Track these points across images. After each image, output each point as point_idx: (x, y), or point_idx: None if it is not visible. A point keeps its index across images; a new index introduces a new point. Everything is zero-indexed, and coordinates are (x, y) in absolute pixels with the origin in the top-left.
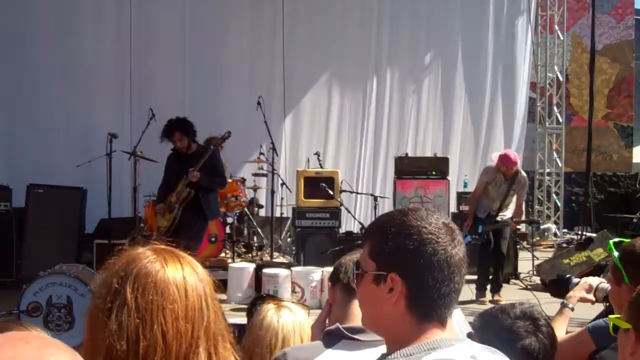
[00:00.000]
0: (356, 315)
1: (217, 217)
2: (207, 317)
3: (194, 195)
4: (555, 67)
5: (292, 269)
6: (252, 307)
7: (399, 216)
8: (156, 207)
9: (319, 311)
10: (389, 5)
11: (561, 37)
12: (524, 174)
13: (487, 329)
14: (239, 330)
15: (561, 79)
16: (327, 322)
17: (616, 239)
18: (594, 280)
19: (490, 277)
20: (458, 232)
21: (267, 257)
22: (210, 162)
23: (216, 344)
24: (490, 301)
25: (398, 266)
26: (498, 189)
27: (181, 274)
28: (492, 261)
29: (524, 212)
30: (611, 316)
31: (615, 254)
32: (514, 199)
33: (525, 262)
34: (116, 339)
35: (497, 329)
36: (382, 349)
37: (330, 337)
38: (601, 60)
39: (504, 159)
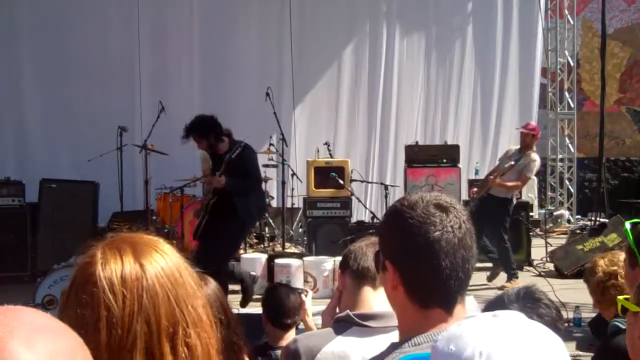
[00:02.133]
0: (366, 302)
1: (247, 222)
2: (160, 310)
3: (224, 199)
4: (566, 52)
5: (304, 259)
6: (267, 297)
7: (394, 204)
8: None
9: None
10: None
11: (571, 22)
12: (534, 155)
13: None
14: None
15: (572, 63)
16: (337, 309)
17: (633, 221)
18: None
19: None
20: (455, 213)
21: (278, 248)
22: (240, 163)
23: (173, 336)
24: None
25: (389, 254)
26: (509, 160)
27: (121, 270)
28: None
29: (520, 189)
30: (620, 297)
31: (631, 236)
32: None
33: (538, 249)
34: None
35: None
36: (394, 335)
37: (340, 324)
38: (612, 44)
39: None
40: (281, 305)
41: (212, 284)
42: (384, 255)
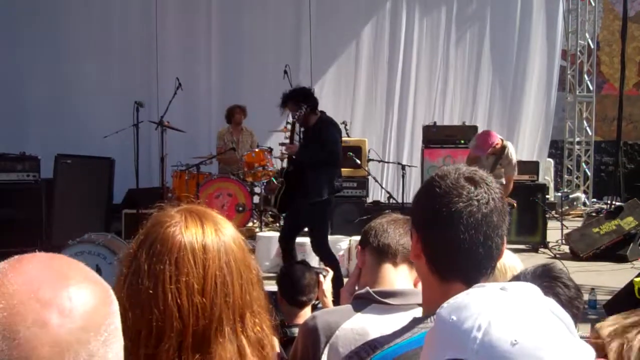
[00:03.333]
0: (386, 278)
1: (320, 200)
2: (231, 290)
3: (301, 173)
4: (587, 34)
5: None
6: (282, 274)
7: (430, 176)
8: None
9: (347, 279)
10: None
11: (592, 4)
12: (511, 149)
13: None
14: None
15: (592, 46)
16: (356, 286)
17: None
18: None
19: None
20: (486, 189)
21: None
22: (319, 136)
23: (243, 319)
24: None
25: (416, 223)
26: (486, 160)
27: (201, 239)
28: None
29: (510, 189)
30: (637, 279)
31: None
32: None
33: (554, 232)
34: (128, 307)
35: None
36: (413, 312)
37: (360, 301)
38: (633, 27)
39: (477, 144)
40: (296, 283)
41: None
42: (411, 223)
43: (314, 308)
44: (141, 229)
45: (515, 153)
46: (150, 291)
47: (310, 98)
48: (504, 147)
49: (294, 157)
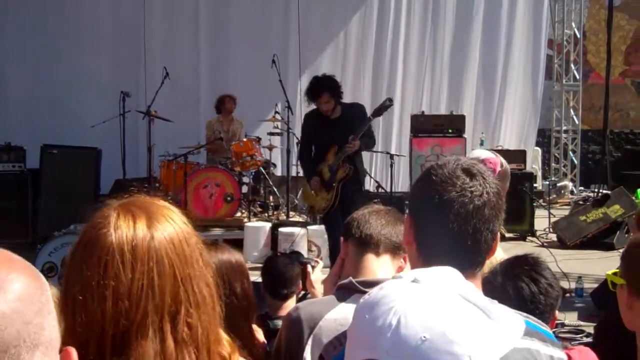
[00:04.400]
0: (368, 269)
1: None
2: (158, 291)
3: (349, 164)
4: (573, 24)
5: (308, 227)
6: (265, 267)
7: (431, 164)
8: (310, 181)
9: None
10: None
11: None
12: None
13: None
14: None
15: (578, 35)
16: (339, 277)
17: None
18: None
19: None
20: (482, 181)
21: (283, 217)
22: (360, 121)
23: (174, 318)
24: None
25: (409, 207)
26: None
27: (131, 240)
28: None
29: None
30: (608, 272)
31: None
32: None
33: (541, 220)
34: (61, 313)
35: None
36: None
37: (343, 291)
38: (619, 17)
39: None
40: (278, 275)
41: (226, 255)
42: (407, 209)
43: (304, 298)
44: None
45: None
46: (79, 297)
47: (340, 89)
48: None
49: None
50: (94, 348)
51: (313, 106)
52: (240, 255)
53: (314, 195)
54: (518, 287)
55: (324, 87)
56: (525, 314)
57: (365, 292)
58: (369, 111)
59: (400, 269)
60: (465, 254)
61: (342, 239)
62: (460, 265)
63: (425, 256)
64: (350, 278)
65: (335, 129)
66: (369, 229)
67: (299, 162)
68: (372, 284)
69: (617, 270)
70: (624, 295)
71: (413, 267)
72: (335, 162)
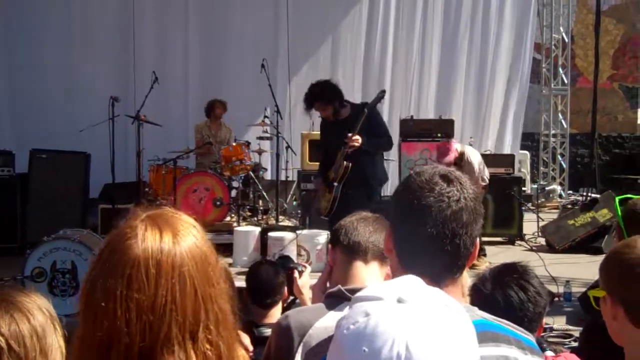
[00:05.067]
0: (357, 276)
1: (379, 188)
2: (181, 308)
3: (355, 166)
4: (561, 28)
5: (298, 232)
6: (250, 274)
7: (410, 173)
8: (315, 183)
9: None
10: None
11: None
12: (468, 154)
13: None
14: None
15: (566, 40)
16: (328, 284)
17: (623, 196)
18: None
19: None
20: (459, 187)
21: (272, 221)
22: (369, 123)
23: (194, 335)
24: None
25: (390, 217)
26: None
27: (157, 254)
28: None
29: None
30: (591, 291)
31: (619, 212)
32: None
33: (530, 224)
34: (83, 318)
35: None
36: None
37: (332, 299)
38: (606, 21)
39: (441, 154)
40: (261, 284)
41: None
42: (389, 217)
43: (292, 304)
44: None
45: (479, 155)
46: (102, 304)
47: (338, 91)
48: (462, 153)
49: (356, 147)
50: (122, 358)
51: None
52: (224, 262)
53: (321, 197)
54: (507, 295)
55: (314, 97)
56: (508, 323)
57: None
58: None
59: (388, 276)
60: (445, 258)
61: (329, 246)
62: (441, 270)
63: (405, 262)
64: (339, 286)
65: (342, 129)
66: (357, 236)
67: None
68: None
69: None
70: (607, 307)
71: (394, 274)
72: (337, 161)
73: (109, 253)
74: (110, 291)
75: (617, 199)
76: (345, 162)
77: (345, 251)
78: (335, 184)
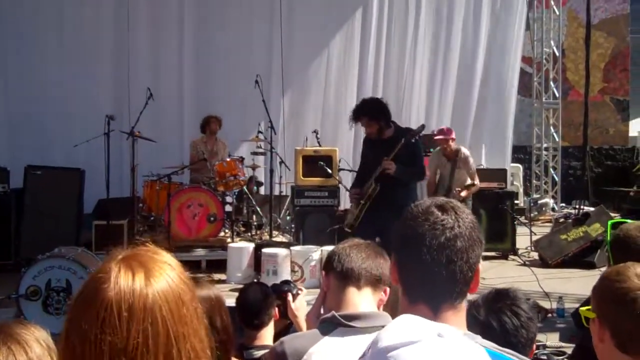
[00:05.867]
0: (350, 302)
1: None
2: (154, 350)
3: (387, 189)
4: (552, 42)
5: (291, 248)
6: (239, 296)
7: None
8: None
9: (318, 290)
10: None
11: (557, 12)
12: (464, 150)
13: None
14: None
15: (557, 53)
16: (322, 310)
17: (616, 220)
18: None
19: None
20: (453, 215)
21: (266, 236)
22: (407, 150)
23: None
24: None
25: (392, 245)
26: (445, 169)
27: (129, 297)
28: None
29: (476, 185)
30: (582, 308)
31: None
32: (466, 177)
33: (523, 237)
34: (60, 356)
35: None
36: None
37: (326, 324)
38: (597, 35)
39: (439, 132)
40: (249, 306)
41: (205, 292)
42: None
43: (288, 328)
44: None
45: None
46: (78, 347)
47: (385, 112)
48: (457, 150)
49: (389, 172)
50: None
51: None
52: (218, 291)
53: (353, 207)
54: (502, 321)
55: (362, 112)
56: (511, 352)
57: (348, 326)
58: None
59: (381, 302)
60: (442, 284)
61: (323, 272)
62: (439, 297)
63: (408, 291)
64: (333, 312)
65: (382, 149)
66: (350, 262)
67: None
68: (355, 317)
69: (590, 306)
70: (596, 328)
71: (401, 304)
72: (369, 182)
73: (84, 297)
74: (85, 335)
75: (609, 223)
76: (374, 184)
77: (339, 277)
78: (362, 201)
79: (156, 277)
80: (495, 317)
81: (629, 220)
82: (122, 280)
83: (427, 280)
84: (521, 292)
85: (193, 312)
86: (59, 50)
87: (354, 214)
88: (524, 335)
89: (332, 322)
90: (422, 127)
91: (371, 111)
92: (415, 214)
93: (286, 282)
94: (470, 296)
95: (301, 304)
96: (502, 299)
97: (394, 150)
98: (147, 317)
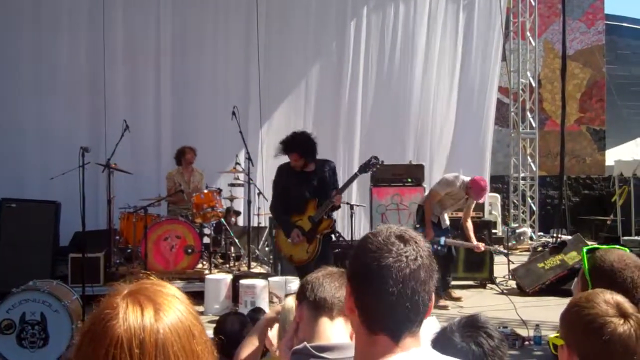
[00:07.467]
0: (322, 333)
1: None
2: None
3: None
4: (528, 73)
5: (270, 279)
6: (216, 326)
7: (365, 234)
8: (291, 234)
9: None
10: (364, 16)
11: (533, 43)
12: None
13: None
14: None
15: (534, 84)
16: (294, 340)
17: (590, 246)
18: None
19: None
20: (415, 246)
21: (244, 267)
22: (334, 179)
23: None
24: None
25: (349, 275)
26: (456, 202)
27: (140, 333)
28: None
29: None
30: (550, 336)
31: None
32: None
33: (501, 266)
34: None
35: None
36: None
37: (298, 356)
38: (573, 65)
39: (479, 192)
40: (226, 336)
41: None
42: (346, 277)
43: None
44: (88, 315)
45: None
46: None
47: (314, 149)
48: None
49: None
50: None
51: (283, 157)
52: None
53: (291, 245)
54: (479, 343)
55: (294, 148)
56: None
57: (319, 357)
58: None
59: (354, 332)
60: (406, 315)
61: (296, 302)
62: (402, 327)
63: (368, 321)
64: (305, 343)
65: (311, 182)
66: (323, 292)
67: (270, 212)
68: (326, 348)
69: (557, 333)
70: (564, 355)
71: (356, 334)
72: (317, 215)
73: (92, 335)
74: None
75: (584, 249)
76: (328, 218)
77: (312, 307)
78: (318, 236)
79: (166, 311)
80: (473, 340)
81: (602, 247)
82: (131, 316)
83: (391, 312)
84: (487, 318)
85: (204, 346)
86: (34, 82)
87: (305, 248)
88: (499, 355)
89: (303, 354)
90: (375, 159)
91: (301, 147)
92: (377, 244)
93: (259, 309)
94: (439, 324)
95: (275, 334)
96: (474, 323)
97: (347, 186)
98: (159, 354)
